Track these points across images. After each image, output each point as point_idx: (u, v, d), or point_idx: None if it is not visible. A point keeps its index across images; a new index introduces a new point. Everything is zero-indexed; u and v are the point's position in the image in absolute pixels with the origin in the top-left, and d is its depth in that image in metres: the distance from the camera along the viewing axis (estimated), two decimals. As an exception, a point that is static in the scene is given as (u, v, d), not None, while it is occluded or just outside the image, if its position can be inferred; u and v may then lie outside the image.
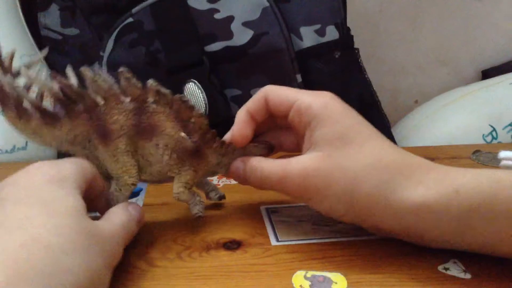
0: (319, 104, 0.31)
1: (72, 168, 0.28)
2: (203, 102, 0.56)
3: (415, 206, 0.28)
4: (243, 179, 0.35)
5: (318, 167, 0.30)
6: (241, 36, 0.57)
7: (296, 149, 0.36)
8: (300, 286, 0.28)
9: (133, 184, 0.33)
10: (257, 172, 0.33)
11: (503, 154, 0.46)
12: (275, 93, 0.34)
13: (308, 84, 0.59)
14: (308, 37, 0.59)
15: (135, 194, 0.44)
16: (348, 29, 0.63)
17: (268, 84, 0.35)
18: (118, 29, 0.58)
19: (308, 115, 0.32)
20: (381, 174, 0.29)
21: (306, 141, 0.32)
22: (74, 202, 0.26)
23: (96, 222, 0.27)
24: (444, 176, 0.28)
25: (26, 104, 0.30)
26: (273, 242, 0.34)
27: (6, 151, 0.60)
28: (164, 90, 0.32)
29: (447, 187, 0.28)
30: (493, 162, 0.52)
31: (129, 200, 0.34)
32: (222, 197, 0.40)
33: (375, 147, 0.30)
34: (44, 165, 0.28)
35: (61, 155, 0.67)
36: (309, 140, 0.32)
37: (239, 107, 0.35)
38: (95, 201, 0.32)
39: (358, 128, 0.31)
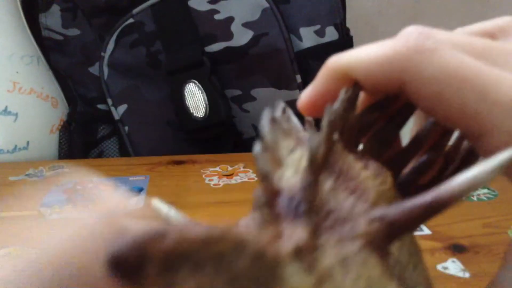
0: None
1: None
2: (204, 102, 0.56)
3: None
4: None
5: None
6: (241, 36, 0.57)
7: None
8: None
9: None
10: None
11: None
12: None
13: (308, 84, 0.59)
14: (308, 37, 0.59)
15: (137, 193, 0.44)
16: (348, 30, 0.63)
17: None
18: (119, 30, 0.58)
19: None
20: None
21: None
22: None
23: None
24: None
25: None
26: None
27: (8, 151, 0.60)
28: None
29: None
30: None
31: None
32: None
33: None
34: None
35: (61, 156, 0.67)
36: None
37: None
38: None
39: None
